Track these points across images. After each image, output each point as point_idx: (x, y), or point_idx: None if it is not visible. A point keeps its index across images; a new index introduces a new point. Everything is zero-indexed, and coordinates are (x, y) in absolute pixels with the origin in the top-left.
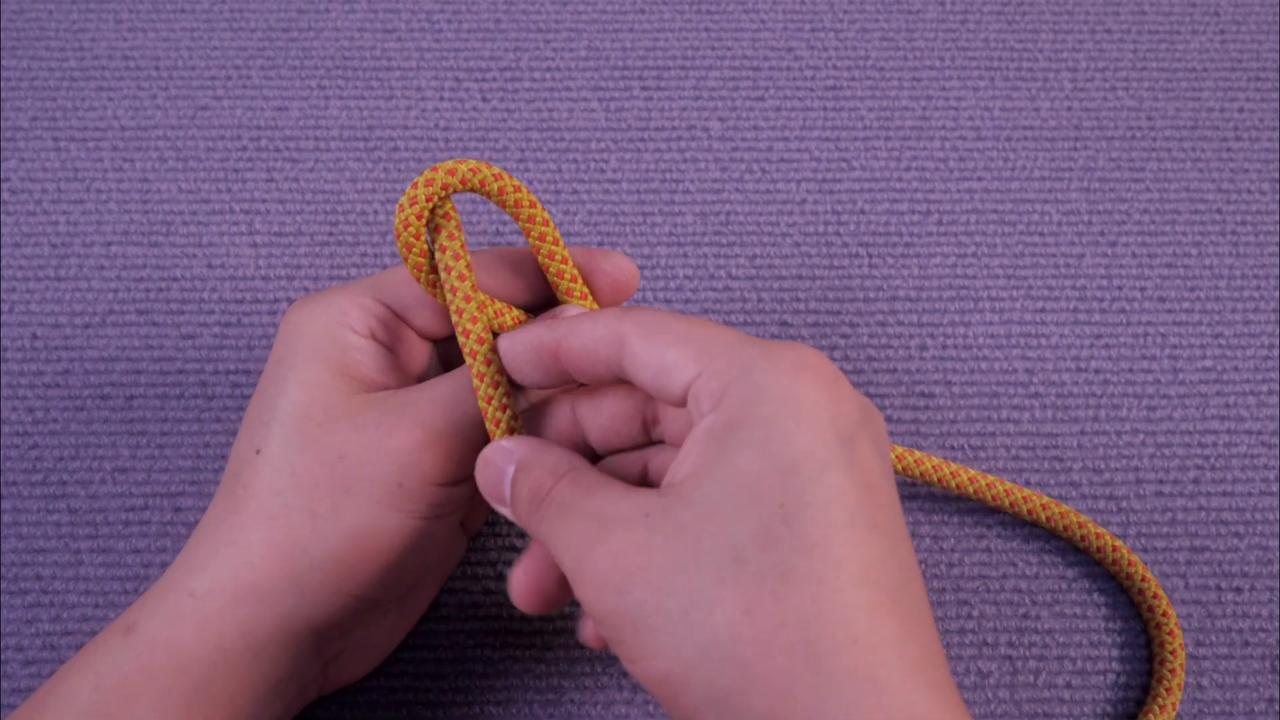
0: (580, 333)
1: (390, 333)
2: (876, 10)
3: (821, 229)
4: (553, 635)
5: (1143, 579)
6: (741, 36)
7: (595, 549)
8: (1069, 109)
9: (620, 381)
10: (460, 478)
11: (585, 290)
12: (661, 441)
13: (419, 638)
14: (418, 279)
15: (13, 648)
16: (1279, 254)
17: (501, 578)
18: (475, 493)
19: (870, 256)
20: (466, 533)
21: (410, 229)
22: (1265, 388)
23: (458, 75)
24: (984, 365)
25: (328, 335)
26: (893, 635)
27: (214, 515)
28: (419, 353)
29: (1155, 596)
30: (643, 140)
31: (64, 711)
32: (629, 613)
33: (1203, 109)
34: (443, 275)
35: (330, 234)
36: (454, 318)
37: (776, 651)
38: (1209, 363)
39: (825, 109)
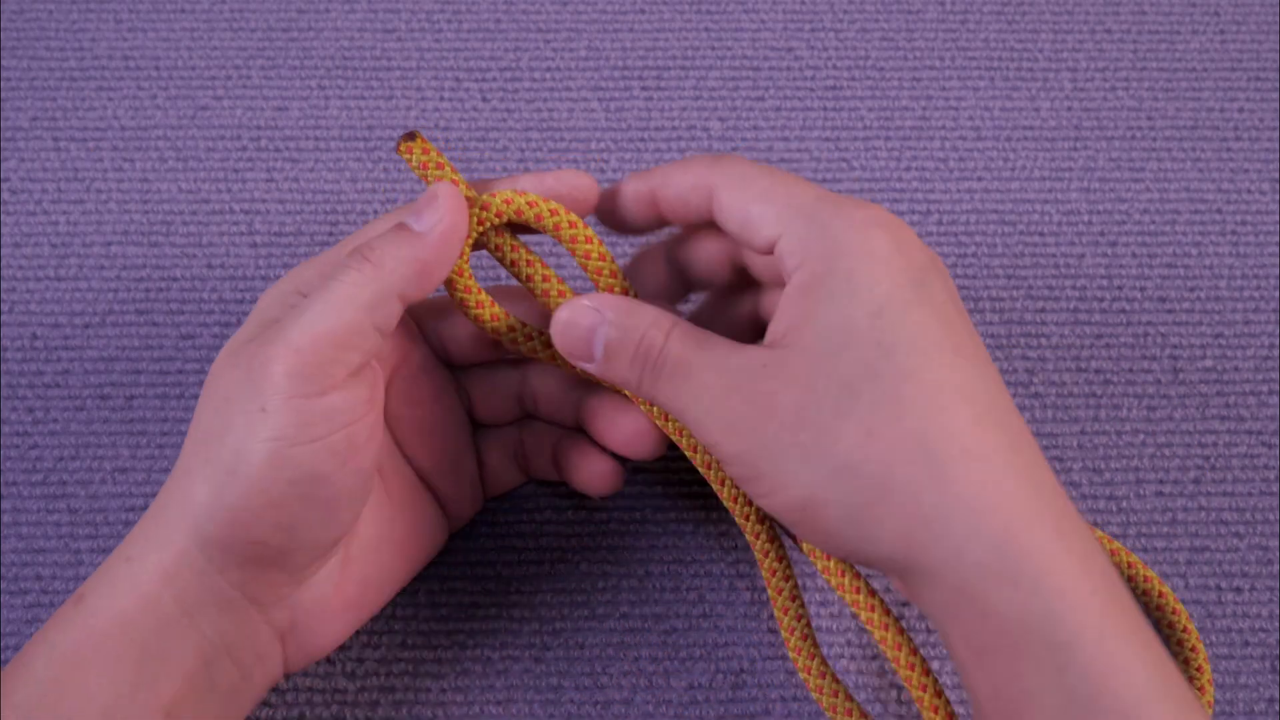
0: (672, 182)
1: None
2: (876, 10)
3: None
4: (552, 635)
5: (1145, 579)
6: (741, 36)
7: (729, 397)
8: (1069, 109)
9: (710, 226)
10: (325, 381)
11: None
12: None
13: (419, 637)
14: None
15: (13, 648)
16: (1279, 254)
17: (500, 577)
18: (454, 464)
19: None
20: (447, 508)
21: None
22: (1265, 388)
23: (458, 75)
24: None
25: (271, 297)
26: (999, 444)
27: (165, 482)
28: None
29: (1160, 595)
30: (643, 140)
31: (22, 683)
32: (765, 449)
33: (1203, 109)
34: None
35: (330, 234)
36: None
37: (899, 465)
38: (1209, 363)
39: (825, 109)
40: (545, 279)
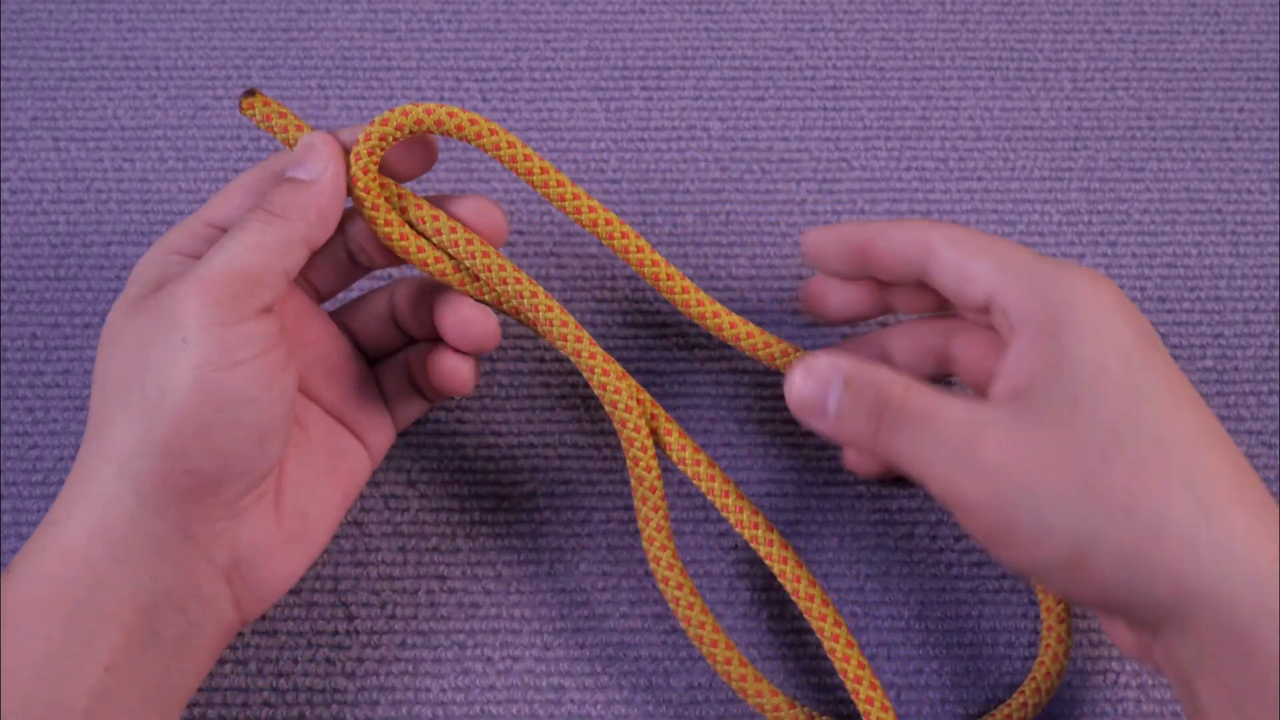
0: (891, 235)
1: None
2: (876, 10)
3: None
4: (552, 634)
5: None
6: (741, 36)
7: (979, 443)
8: (1069, 109)
9: (920, 286)
10: (242, 312)
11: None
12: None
13: (418, 637)
14: (387, 238)
15: None
16: (1279, 254)
17: (500, 577)
18: (360, 396)
19: None
20: (365, 444)
21: (367, 176)
22: (1265, 388)
23: (458, 75)
24: None
25: (147, 263)
26: (1254, 486)
27: (76, 457)
28: None
29: None
30: (643, 140)
31: None
32: (1022, 498)
33: (1203, 109)
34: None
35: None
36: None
37: (1174, 508)
38: (1209, 363)
39: (825, 109)
40: (453, 230)
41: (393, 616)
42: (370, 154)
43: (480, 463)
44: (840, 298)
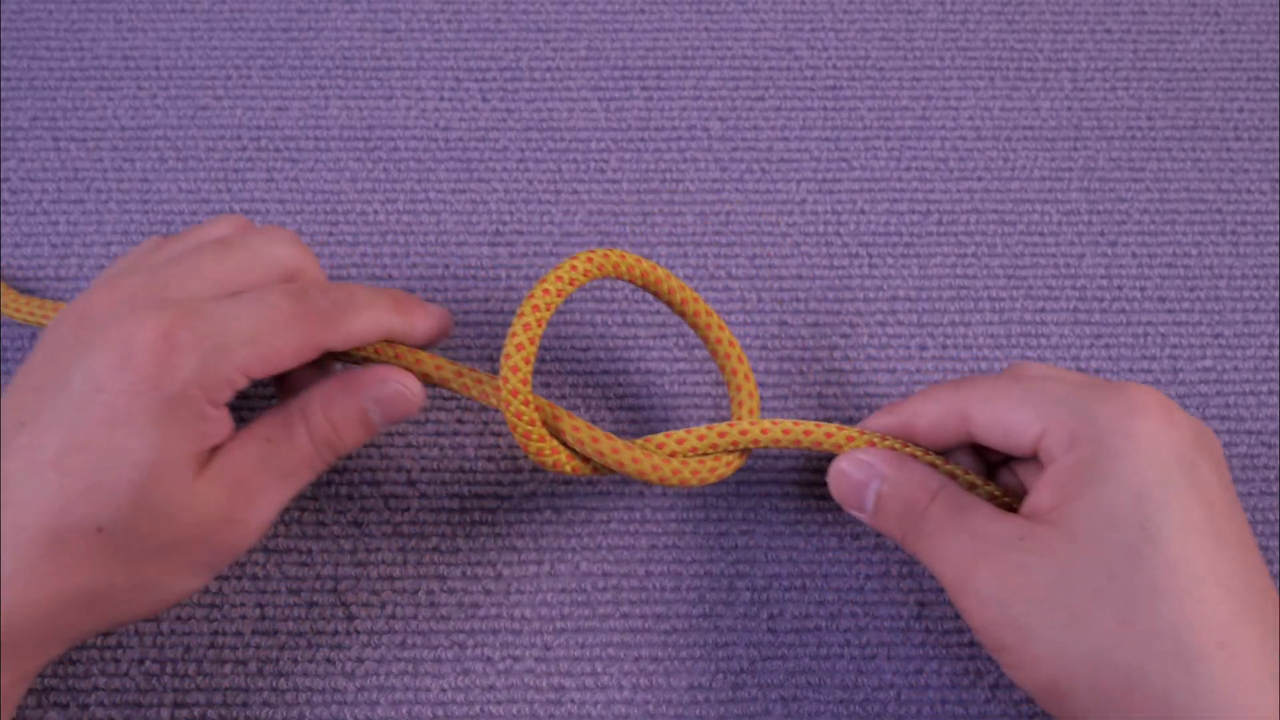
0: (923, 413)
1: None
2: (876, 10)
3: (821, 229)
4: (552, 635)
5: None
6: (741, 36)
7: (979, 566)
8: (1069, 109)
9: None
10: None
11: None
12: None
13: (418, 637)
14: (557, 466)
15: None
16: (1279, 254)
17: (500, 577)
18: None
19: (870, 256)
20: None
21: (526, 405)
22: (1265, 388)
23: (458, 75)
24: (984, 365)
25: (183, 403)
26: (1256, 639)
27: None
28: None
29: None
30: (643, 140)
31: None
32: (1013, 624)
33: (1203, 109)
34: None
35: (330, 234)
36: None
37: (1152, 657)
38: (1209, 363)
39: (825, 109)
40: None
41: (393, 616)
42: (523, 372)
43: (480, 463)
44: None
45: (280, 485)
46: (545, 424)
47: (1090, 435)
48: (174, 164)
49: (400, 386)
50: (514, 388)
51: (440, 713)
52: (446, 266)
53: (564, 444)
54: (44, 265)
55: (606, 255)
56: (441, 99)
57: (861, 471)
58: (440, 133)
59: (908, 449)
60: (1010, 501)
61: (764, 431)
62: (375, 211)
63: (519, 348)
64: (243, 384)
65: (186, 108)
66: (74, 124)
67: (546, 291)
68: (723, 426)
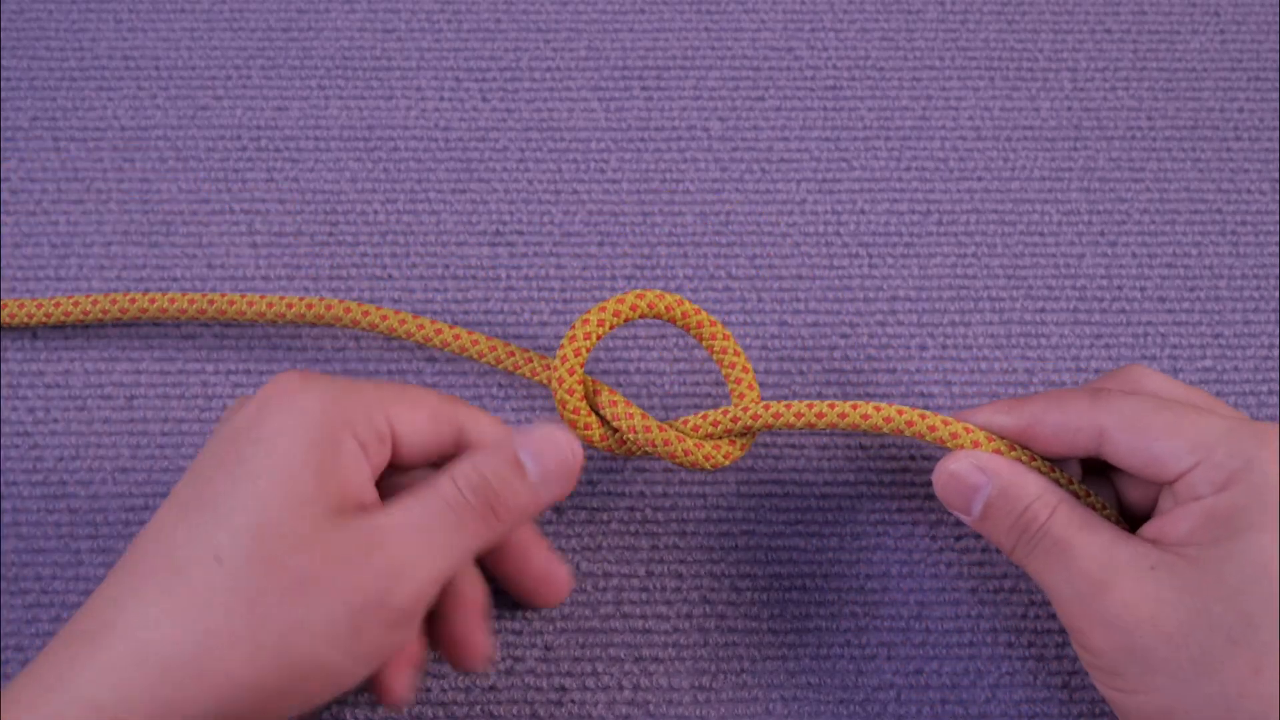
0: (1050, 423)
1: (380, 452)
2: (876, 10)
3: (821, 229)
4: (554, 635)
5: None
6: (741, 36)
7: (1108, 591)
8: (1069, 109)
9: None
10: (414, 617)
11: (753, 384)
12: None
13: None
14: (588, 434)
15: (12, 648)
16: (1279, 254)
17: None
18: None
19: (870, 256)
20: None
21: (574, 375)
22: (1265, 388)
23: (458, 75)
24: (984, 365)
25: (324, 431)
26: None
27: (137, 587)
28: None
29: None
30: (643, 140)
31: None
32: (1138, 653)
33: (1203, 109)
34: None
35: (330, 234)
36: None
37: (1276, 712)
38: (1209, 363)
39: (825, 109)
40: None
41: None
42: (581, 353)
43: None
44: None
45: (429, 538)
46: (585, 395)
47: (1248, 484)
48: (174, 164)
49: (553, 435)
50: (566, 355)
51: (442, 713)
52: (446, 266)
53: (599, 416)
54: (44, 265)
55: (659, 298)
56: (441, 99)
57: (974, 476)
58: (440, 133)
59: (1014, 452)
60: (1117, 518)
61: (798, 415)
62: (375, 211)
63: (585, 333)
64: (386, 434)
65: (186, 108)
66: (74, 124)
67: (601, 319)
68: (755, 407)
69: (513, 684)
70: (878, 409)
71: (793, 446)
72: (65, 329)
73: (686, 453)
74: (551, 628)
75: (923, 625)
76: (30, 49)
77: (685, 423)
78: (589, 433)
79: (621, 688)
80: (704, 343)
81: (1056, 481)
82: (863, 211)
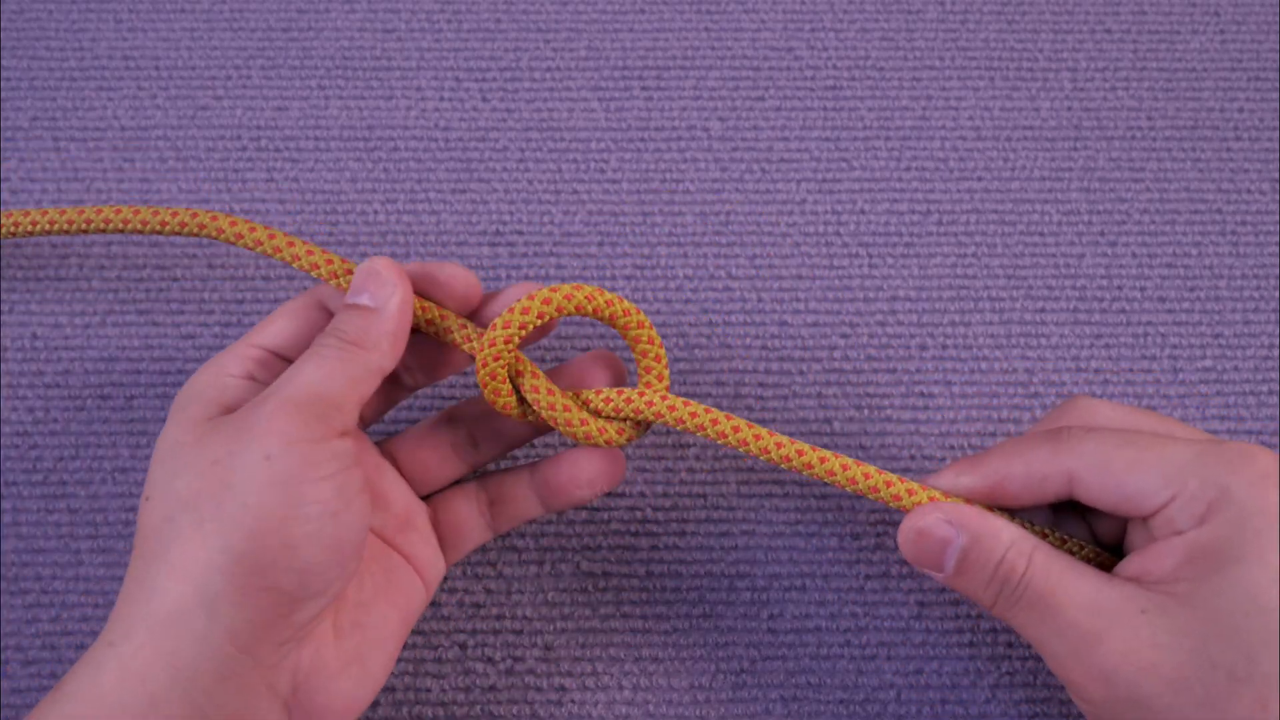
0: (1017, 478)
1: (272, 371)
2: (876, 10)
3: (821, 229)
4: (554, 635)
5: None
6: (741, 36)
7: (1101, 644)
8: (1069, 109)
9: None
10: (325, 433)
11: (664, 374)
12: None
13: (421, 636)
14: (506, 408)
15: (13, 648)
16: (1279, 254)
17: (502, 576)
18: (412, 528)
19: (870, 256)
20: (419, 574)
21: (500, 360)
22: (1265, 388)
23: (458, 75)
24: (984, 365)
25: (200, 387)
26: None
27: (128, 572)
28: None
29: None
30: (643, 140)
31: None
32: (1140, 701)
33: (1203, 109)
34: (549, 412)
35: (330, 234)
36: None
37: None
38: (1209, 363)
39: (825, 109)
40: (566, 409)
41: None
42: (511, 340)
43: None
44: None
45: (310, 367)
46: (510, 371)
47: (1227, 515)
48: (174, 164)
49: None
50: (494, 337)
51: (443, 713)
52: None
53: (518, 391)
54: (44, 265)
55: (570, 294)
56: (441, 99)
57: (942, 530)
58: (440, 133)
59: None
60: (1095, 553)
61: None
62: (375, 211)
63: (521, 318)
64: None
65: (186, 108)
66: (74, 124)
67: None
68: (651, 396)
69: (513, 684)
70: (779, 445)
71: None
72: (64, 329)
73: (567, 423)
74: (552, 628)
75: (923, 625)
76: (30, 49)
77: (599, 393)
78: (507, 402)
79: (621, 688)
80: (623, 333)
81: (1037, 532)
82: (863, 211)
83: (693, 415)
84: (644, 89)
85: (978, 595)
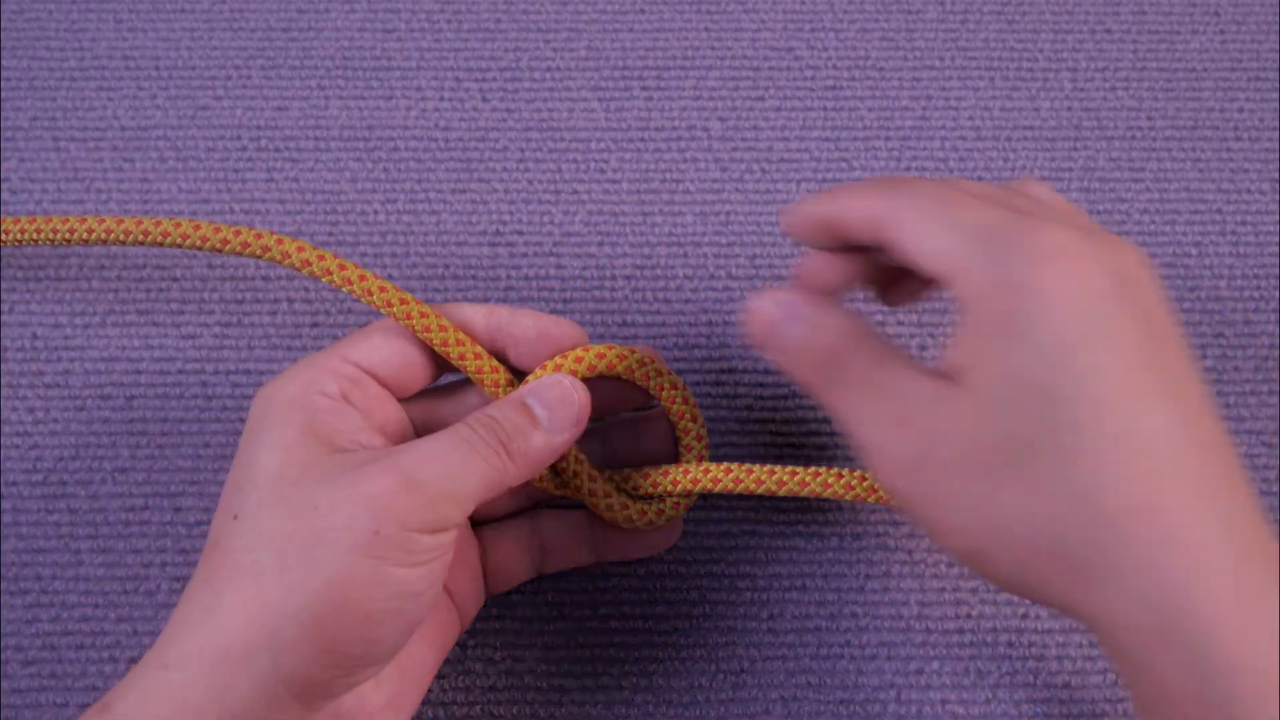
0: (848, 211)
1: (365, 393)
2: (876, 10)
3: None
4: (554, 635)
5: None
6: (741, 36)
7: (894, 435)
8: (1069, 109)
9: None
10: (438, 526)
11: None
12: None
13: None
14: (542, 480)
15: (13, 648)
16: (1279, 254)
17: None
18: (462, 563)
19: None
20: (458, 607)
21: None
22: (1265, 388)
23: (458, 75)
24: None
25: (295, 402)
26: (1181, 496)
27: (191, 586)
28: (395, 416)
29: None
30: (643, 140)
31: None
32: (927, 494)
33: (1203, 109)
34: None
35: (330, 234)
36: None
37: (1069, 525)
38: (1209, 363)
39: (825, 109)
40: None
41: None
42: None
43: None
44: (830, 273)
45: (443, 456)
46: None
47: (1001, 289)
48: (174, 164)
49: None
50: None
51: (443, 713)
52: (446, 266)
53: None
54: (44, 265)
55: (620, 357)
56: (441, 99)
57: (781, 310)
58: (440, 133)
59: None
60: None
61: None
62: (375, 211)
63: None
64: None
65: (186, 108)
66: (74, 124)
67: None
68: (695, 470)
69: (512, 684)
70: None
71: (792, 446)
72: (64, 329)
73: (608, 509)
74: (551, 628)
75: (923, 625)
76: (30, 49)
77: (646, 476)
78: (540, 480)
79: (621, 688)
80: (658, 395)
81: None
82: None
83: (737, 481)
84: (644, 89)
85: (806, 377)
